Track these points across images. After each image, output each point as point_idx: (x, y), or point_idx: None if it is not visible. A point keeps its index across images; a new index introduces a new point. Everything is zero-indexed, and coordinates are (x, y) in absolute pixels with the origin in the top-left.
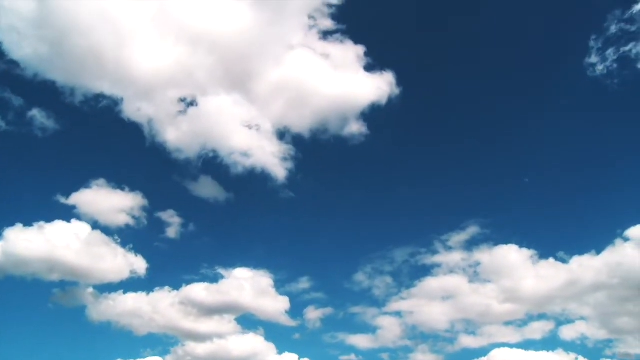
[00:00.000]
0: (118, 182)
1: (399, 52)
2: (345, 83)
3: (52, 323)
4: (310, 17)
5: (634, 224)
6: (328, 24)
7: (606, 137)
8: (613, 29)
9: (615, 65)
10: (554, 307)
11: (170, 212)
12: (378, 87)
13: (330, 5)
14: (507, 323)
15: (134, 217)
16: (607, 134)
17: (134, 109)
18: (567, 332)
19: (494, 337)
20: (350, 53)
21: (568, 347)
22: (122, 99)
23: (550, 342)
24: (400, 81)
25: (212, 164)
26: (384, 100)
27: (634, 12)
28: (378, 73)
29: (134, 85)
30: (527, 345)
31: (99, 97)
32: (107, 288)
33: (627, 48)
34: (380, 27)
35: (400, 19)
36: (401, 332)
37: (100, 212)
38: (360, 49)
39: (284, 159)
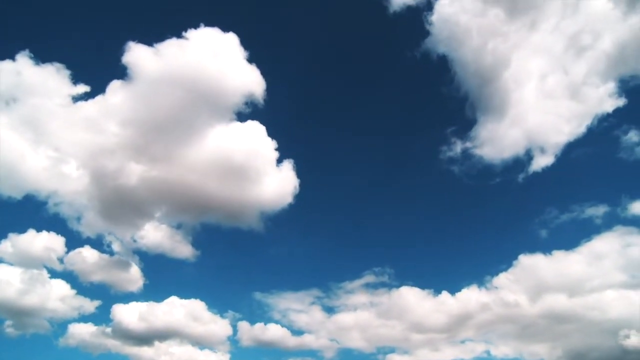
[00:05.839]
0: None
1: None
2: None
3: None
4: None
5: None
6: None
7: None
8: None
9: None
10: (467, 334)
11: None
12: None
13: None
14: (432, 348)
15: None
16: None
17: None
18: (496, 352)
19: (425, 357)
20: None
21: None
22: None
23: None
24: (298, 168)
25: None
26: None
27: None
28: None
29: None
30: None
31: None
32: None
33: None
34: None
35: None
36: (337, 354)
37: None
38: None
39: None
